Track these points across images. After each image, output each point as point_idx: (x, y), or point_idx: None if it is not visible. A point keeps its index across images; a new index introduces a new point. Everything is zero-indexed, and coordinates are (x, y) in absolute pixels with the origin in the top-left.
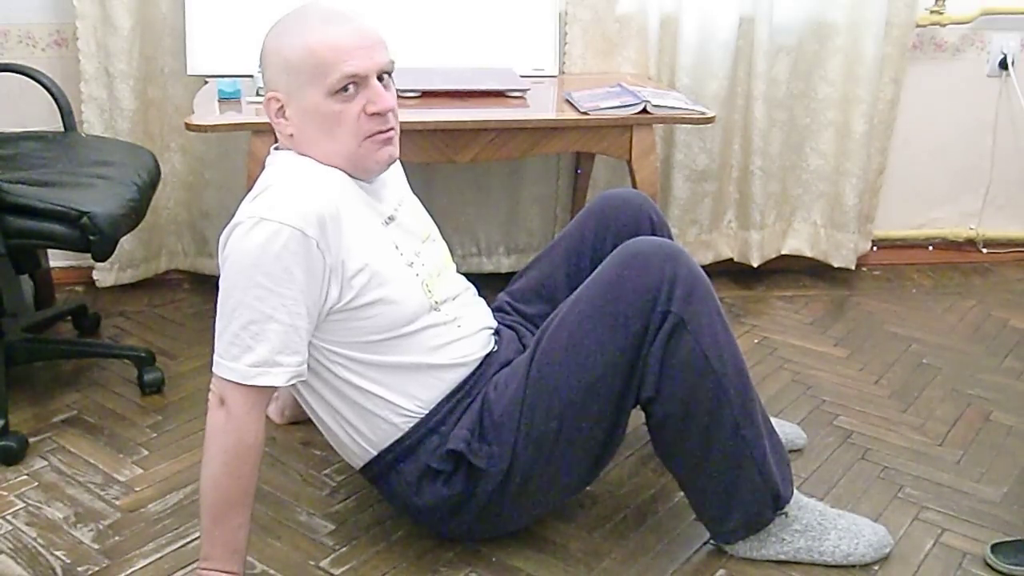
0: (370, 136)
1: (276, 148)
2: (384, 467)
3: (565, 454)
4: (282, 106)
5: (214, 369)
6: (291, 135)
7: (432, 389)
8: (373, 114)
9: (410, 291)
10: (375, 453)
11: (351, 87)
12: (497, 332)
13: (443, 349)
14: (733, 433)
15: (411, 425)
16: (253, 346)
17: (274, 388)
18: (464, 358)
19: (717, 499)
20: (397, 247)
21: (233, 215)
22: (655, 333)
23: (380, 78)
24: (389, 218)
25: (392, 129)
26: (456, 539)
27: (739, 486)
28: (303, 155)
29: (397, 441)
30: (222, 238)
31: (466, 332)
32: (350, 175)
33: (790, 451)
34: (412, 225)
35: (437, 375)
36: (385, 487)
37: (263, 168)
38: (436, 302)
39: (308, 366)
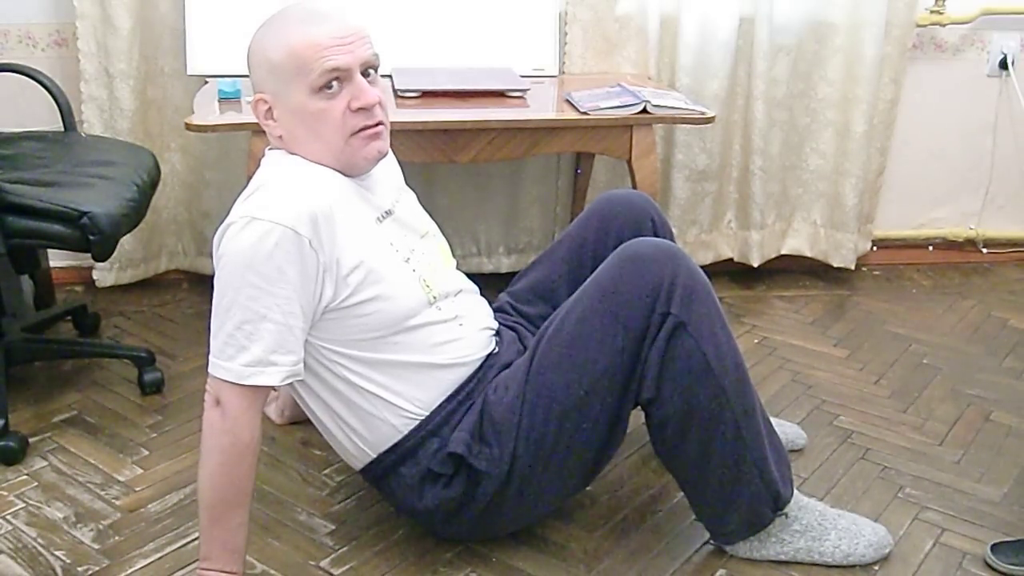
0: (356, 132)
1: (270, 148)
2: (384, 470)
3: (565, 455)
4: (270, 108)
5: (209, 369)
6: (280, 136)
7: (431, 390)
8: (358, 109)
9: (406, 287)
10: (374, 455)
11: (334, 84)
12: (498, 333)
13: (443, 348)
14: (733, 434)
15: (410, 428)
16: (247, 346)
17: (270, 388)
18: (464, 358)
19: (717, 499)
20: (392, 243)
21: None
22: (655, 334)
23: (366, 74)
24: (386, 212)
25: (380, 124)
26: (456, 540)
27: (739, 486)
28: (294, 154)
29: (396, 443)
30: (215, 238)
31: (467, 331)
32: (342, 173)
33: (790, 451)
34: (410, 220)
35: (436, 375)
36: (385, 489)
37: (258, 167)
38: (434, 297)
39: (306, 366)
